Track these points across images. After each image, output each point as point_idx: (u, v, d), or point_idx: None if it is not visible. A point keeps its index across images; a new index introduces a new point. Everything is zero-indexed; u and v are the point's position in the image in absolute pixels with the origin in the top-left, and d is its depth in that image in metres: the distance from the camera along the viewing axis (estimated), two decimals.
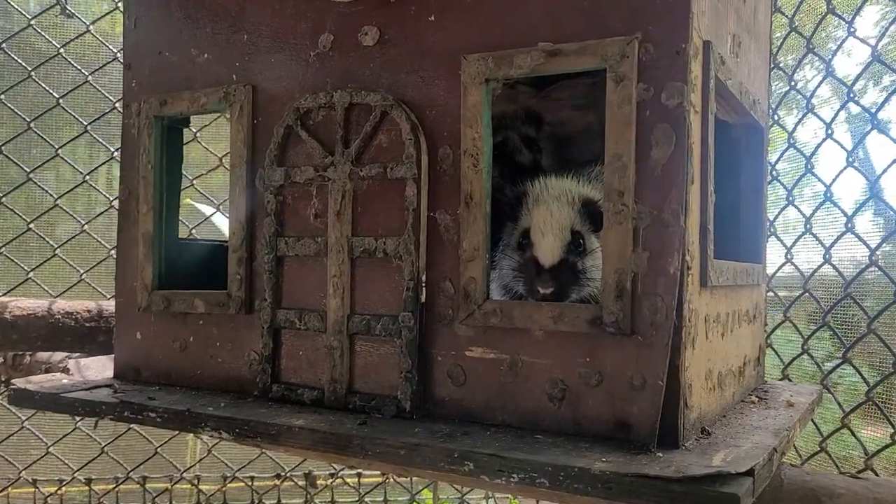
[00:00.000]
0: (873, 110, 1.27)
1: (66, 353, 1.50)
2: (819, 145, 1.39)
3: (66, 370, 1.15)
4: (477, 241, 0.82)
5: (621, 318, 0.74)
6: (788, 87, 1.49)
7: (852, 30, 1.26)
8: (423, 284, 0.86)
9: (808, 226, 1.43)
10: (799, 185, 1.52)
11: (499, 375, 0.81)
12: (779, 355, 1.51)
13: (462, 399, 0.84)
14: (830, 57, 1.37)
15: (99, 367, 1.18)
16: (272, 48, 0.98)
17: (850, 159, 1.28)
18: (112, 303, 1.62)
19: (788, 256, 1.49)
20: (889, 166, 1.25)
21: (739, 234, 1.12)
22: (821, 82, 1.40)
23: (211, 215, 2.13)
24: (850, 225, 1.28)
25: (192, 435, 2.19)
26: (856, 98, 1.27)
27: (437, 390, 0.85)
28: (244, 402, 0.94)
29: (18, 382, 1.05)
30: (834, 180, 1.32)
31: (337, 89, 0.91)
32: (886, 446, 1.11)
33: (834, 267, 1.33)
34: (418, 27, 0.87)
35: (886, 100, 1.25)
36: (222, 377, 1.01)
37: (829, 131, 1.38)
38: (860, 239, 1.28)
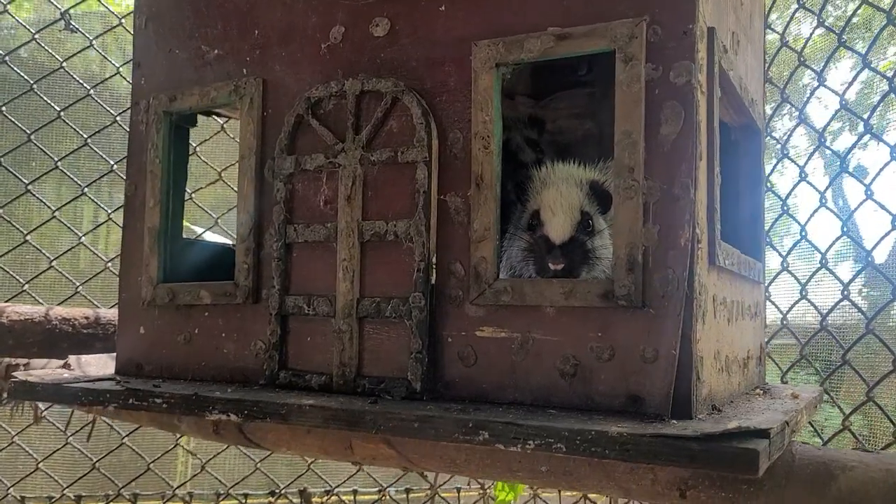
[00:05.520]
0: (849, 154, 1.31)
1: (62, 361, 1.48)
2: (794, 186, 1.43)
3: (66, 366, 1.14)
4: (487, 222, 0.83)
5: (633, 291, 0.74)
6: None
7: (822, 80, 1.30)
8: (434, 266, 0.86)
9: (784, 264, 1.45)
10: (776, 234, 1.54)
11: (510, 354, 0.81)
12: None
13: (473, 379, 0.83)
14: (803, 105, 1.41)
15: (100, 365, 1.18)
16: (283, 42, 1.00)
17: (823, 200, 1.31)
18: (110, 311, 1.61)
19: (766, 294, 1.51)
20: (859, 205, 1.28)
21: (740, 232, 1.13)
22: (795, 126, 1.44)
23: (204, 231, 2.13)
24: (823, 261, 1.30)
25: (182, 452, 2.17)
26: (825, 141, 1.31)
27: (447, 371, 0.85)
28: (252, 389, 0.94)
29: (20, 375, 1.04)
30: (809, 219, 1.35)
31: (348, 78, 0.93)
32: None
33: (809, 301, 1.35)
34: (429, 17, 0.89)
35: (855, 144, 1.29)
36: (228, 368, 1.01)
37: (803, 175, 1.41)
38: (832, 273, 1.30)
